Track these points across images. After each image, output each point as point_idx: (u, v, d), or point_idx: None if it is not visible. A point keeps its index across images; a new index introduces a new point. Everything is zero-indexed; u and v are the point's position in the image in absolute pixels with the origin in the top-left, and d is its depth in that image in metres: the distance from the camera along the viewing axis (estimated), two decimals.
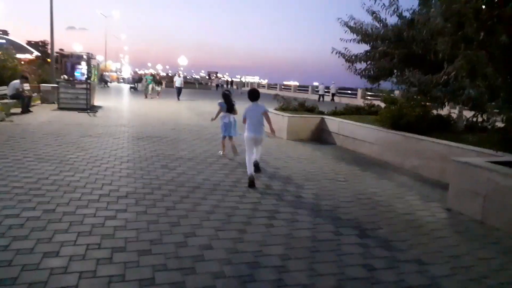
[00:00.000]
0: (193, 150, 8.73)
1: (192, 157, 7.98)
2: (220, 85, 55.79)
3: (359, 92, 32.89)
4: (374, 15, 7.69)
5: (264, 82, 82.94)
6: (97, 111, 15.66)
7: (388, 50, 6.60)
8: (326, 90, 37.11)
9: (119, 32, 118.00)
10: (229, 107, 8.51)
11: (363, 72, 7.77)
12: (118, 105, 20.29)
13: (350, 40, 8.18)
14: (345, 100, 32.78)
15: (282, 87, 55.76)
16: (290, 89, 52.13)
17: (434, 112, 8.62)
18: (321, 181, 6.62)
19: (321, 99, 35.56)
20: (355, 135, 9.80)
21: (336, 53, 8.35)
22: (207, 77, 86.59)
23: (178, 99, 25.19)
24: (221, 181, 6.30)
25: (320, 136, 11.37)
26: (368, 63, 7.67)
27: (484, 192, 4.93)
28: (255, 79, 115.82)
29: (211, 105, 22.53)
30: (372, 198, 5.79)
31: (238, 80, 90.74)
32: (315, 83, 40.54)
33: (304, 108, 12.87)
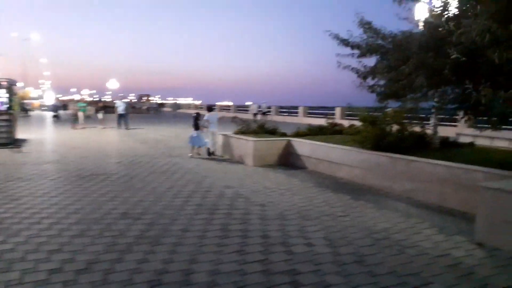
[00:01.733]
0: (154, 189, 7.31)
1: (156, 199, 6.58)
2: (151, 108, 53.59)
3: (301, 110, 33.05)
4: (369, 26, 7.01)
5: (198, 103, 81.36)
6: (21, 146, 13.37)
7: (426, 60, 5.60)
8: (259, 109, 36.98)
9: (39, 57, 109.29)
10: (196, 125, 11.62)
11: (377, 89, 6.97)
12: (46, 136, 17.87)
13: (351, 55, 7.35)
14: (288, 119, 32.66)
15: (222, 108, 54.83)
16: (230, 109, 51.40)
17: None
18: (321, 219, 5.63)
19: (255, 118, 35.31)
20: (330, 158, 9.03)
21: (347, 68, 7.28)
22: (136, 100, 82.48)
23: (127, 128, 21.44)
24: (204, 230, 5.04)
25: (288, 160, 10.48)
26: (384, 78, 6.85)
27: None
28: (188, 100, 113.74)
29: (155, 131, 20.85)
30: (390, 237, 4.90)
31: (173, 102, 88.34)
32: (248, 103, 40.15)
33: (264, 130, 11.96)
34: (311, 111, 32.85)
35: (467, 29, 4.53)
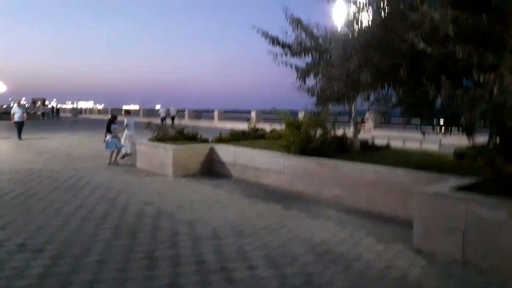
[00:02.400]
0: (58, 211, 6.20)
1: (62, 224, 5.54)
2: (46, 113, 48.68)
3: (216, 114, 32.59)
4: (300, 25, 6.66)
5: (100, 107, 76.24)
6: None
7: (373, 56, 5.21)
8: (167, 113, 35.85)
9: None
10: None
11: (317, 91, 6.55)
12: None
13: (284, 54, 6.88)
14: (203, 124, 31.90)
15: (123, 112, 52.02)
16: (138, 114, 48.96)
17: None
18: (258, 234, 5.20)
19: (164, 122, 34.20)
20: (256, 164, 8.68)
21: (285, 64, 6.63)
22: (29, 104, 73.31)
23: (20, 137, 18.20)
24: (126, 260, 4.26)
25: (211, 168, 9.90)
26: (320, 78, 6.46)
27: (462, 227, 4.31)
28: (89, 104, 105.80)
29: (54, 140, 18.59)
30: (332, 250, 4.65)
31: (71, 106, 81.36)
32: (157, 106, 38.59)
33: (183, 136, 11.21)
34: (227, 115, 32.60)
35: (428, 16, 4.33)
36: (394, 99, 6.16)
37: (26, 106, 53.09)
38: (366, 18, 5.48)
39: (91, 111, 63.83)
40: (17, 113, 18.60)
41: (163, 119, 34.55)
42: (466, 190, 4.59)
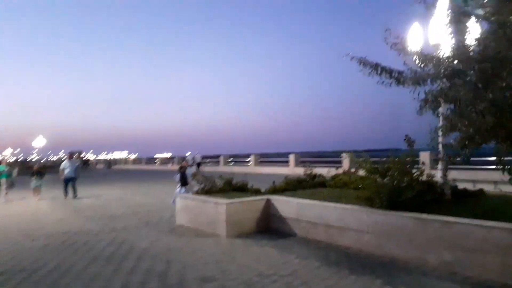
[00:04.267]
0: None
1: None
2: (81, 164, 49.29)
3: (222, 159, 32.39)
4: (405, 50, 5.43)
5: (133, 156, 76.97)
6: None
7: None
8: (192, 160, 35.52)
9: None
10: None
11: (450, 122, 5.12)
12: None
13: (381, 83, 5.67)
14: (237, 169, 30.70)
15: (147, 161, 52.73)
16: (156, 162, 49.57)
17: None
18: None
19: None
20: (328, 220, 7.18)
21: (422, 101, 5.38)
22: (67, 157, 75.01)
23: (75, 196, 15.70)
24: None
25: (268, 225, 8.46)
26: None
27: None
28: (123, 154, 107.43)
29: (87, 194, 17.73)
30: None
31: (107, 157, 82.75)
32: (188, 153, 38.92)
33: (231, 186, 9.93)
34: (264, 159, 31.38)
35: None
36: None
37: (79, 160, 49.11)
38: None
39: (125, 161, 64.34)
40: (67, 168, 15.89)
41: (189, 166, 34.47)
42: None
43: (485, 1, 4.76)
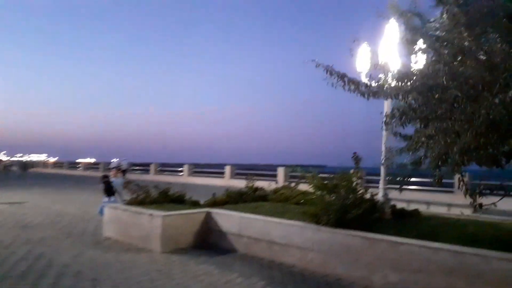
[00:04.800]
0: None
1: None
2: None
3: (152, 167, 31.58)
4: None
5: (52, 160, 70.91)
6: None
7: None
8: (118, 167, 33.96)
9: None
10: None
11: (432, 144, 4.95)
12: None
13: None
14: (171, 179, 29.51)
15: (70, 165, 49.43)
16: (80, 167, 46.78)
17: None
18: None
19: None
20: (271, 237, 6.89)
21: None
22: None
23: None
24: None
25: (206, 239, 7.96)
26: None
27: None
28: (41, 157, 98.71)
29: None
30: None
31: (21, 159, 75.31)
32: (114, 160, 36.58)
33: (168, 197, 9.27)
34: (198, 169, 30.59)
35: None
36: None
37: None
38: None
39: (44, 164, 59.20)
40: None
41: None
42: None
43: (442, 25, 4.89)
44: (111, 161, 37.67)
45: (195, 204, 9.04)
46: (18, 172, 41.16)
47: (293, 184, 10.61)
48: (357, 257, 5.73)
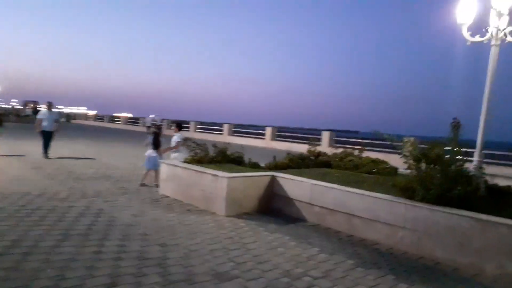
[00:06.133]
0: None
1: None
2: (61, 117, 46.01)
3: (192, 125, 30.96)
4: None
5: (92, 113, 72.11)
6: None
7: None
8: (153, 123, 34.19)
9: None
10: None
11: None
12: None
13: None
14: (210, 137, 29.14)
15: (111, 118, 49.96)
16: (120, 120, 47.18)
17: None
18: None
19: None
20: (351, 209, 6.13)
21: None
22: (22, 107, 67.78)
23: (46, 154, 12.77)
24: None
25: (271, 205, 7.35)
26: None
27: None
28: (81, 110, 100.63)
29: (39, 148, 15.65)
30: None
31: (63, 111, 77.14)
32: (151, 115, 36.17)
33: (226, 157, 8.63)
34: (237, 129, 30.03)
35: None
36: None
37: (60, 112, 37.68)
38: None
39: (86, 116, 60.68)
40: (45, 121, 12.90)
41: (148, 128, 33.68)
42: None
43: None
44: (148, 116, 37.95)
45: (255, 166, 8.36)
46: (64, 123, 42.03)
47: (349, 150, 9.73)
48: (464, 241, 4.89)
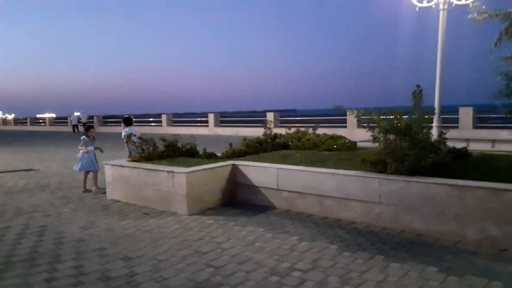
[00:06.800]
0: None
1: None
2: None
3: (165, 118, 28.64)
4: None
5: (10, 117, 65.74)
6: None
7: None
8: (79, 120, 32.71)
9: None
10: None
11: None
12: None
13: None
14: (148, 130, 27.71)
15: (34, 121, 45.96)
16: (45, 122, 43.66)
17: None
18: None
19: (76, 130, 31.91)
20: (322, 189, 5.85)
21: None
22: None
23: None
24: None
25: (235, 196, 6.89)
26: None
27: None
28: None
29: None
30: None
31: None
32: (76, 113, 34.02)
33: (177, 151, 7.95)
34: (177, 118, 28.89)
35: None
36: None
37: None
38: None
39: (4, 121, 55.10)
40: None
41: (75, 127, 32.36)
42: None
43: None
44: (73, 114, 35.24)
45: (212, 157, 7.79)
46: None
47: (303, 129, 9.51)
48: (443, 209, 4.81)
